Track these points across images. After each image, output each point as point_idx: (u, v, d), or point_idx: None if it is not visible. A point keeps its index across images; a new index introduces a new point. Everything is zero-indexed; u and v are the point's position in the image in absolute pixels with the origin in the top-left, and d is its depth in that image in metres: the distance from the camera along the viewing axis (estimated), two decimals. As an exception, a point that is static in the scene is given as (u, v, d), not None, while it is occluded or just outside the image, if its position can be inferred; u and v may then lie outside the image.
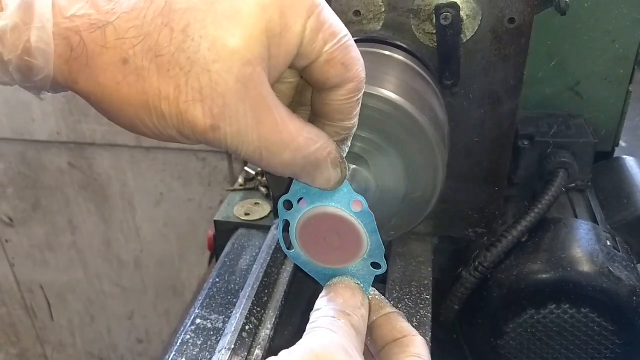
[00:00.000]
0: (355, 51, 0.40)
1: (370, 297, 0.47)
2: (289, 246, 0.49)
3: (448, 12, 0.62)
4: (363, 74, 0.41)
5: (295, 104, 0.45)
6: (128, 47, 0.35)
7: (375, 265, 0.47)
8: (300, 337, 0.40)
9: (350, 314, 0.42)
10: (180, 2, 0.35)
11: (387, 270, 0.47)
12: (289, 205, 0.47)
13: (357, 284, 0.46)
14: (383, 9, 0.65)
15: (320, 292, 0.46)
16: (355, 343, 0.40)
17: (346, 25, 0.68)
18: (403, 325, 0.44)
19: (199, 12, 0.35)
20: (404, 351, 0.42)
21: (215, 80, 0.35)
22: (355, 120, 0.43)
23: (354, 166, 0.56)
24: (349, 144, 0.44)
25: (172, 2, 0.35)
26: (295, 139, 0.38)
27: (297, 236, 0.48)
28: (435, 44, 0.65)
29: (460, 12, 0.63)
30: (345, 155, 0.44)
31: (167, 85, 0.35)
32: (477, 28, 0.64)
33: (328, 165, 0.41)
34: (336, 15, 0.40)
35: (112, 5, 0.35)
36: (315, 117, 0.43)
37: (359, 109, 0.42)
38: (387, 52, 0.63)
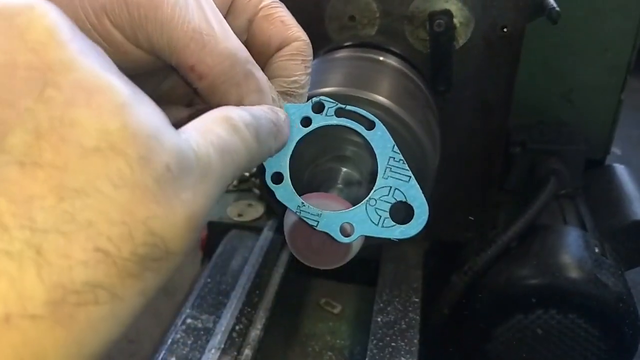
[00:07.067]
0: (291, 15, 0.41)
1: None
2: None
3: (441, 19, 0.63)
4: (304, 37, 0.41)
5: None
6: None
7: None
8: (290, 339, 0.38)
9: None
10: None
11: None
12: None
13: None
14: (377, 15, 0.66)
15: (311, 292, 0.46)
16: None
17: (341, 31, 0.70)
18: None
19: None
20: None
21: None
22: (302, 79, 0.41)
23: (346, 169, 0.56)
24: (297, 101, 0.41)
25: None
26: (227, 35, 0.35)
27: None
28: (429, 50, 0.65)
29: (454, 19, 0.64)
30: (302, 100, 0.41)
31: None
32: (469, 35, 0.65)
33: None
34: None
35: None
36: None
37: (306, 72, 0.41)
38: (380, 58, 0.64)
